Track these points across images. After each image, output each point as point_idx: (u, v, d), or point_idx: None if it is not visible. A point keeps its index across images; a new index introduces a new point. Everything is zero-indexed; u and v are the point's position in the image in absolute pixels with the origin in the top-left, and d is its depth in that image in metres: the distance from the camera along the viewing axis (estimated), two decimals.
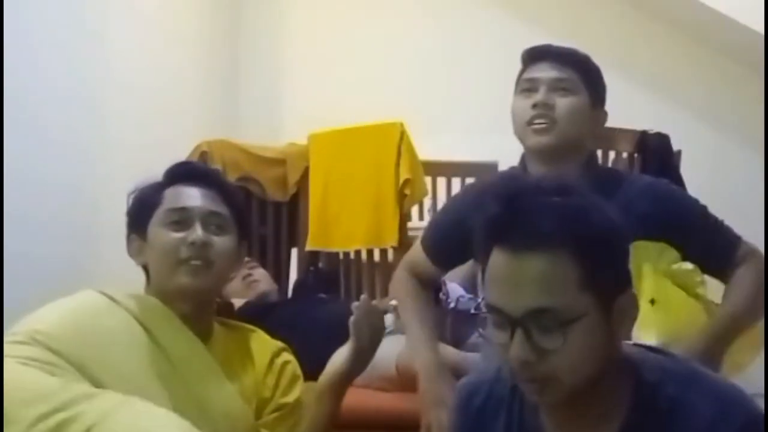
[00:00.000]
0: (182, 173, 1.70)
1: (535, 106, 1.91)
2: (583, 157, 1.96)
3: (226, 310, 2.81)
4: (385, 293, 3.38)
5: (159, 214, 1.63)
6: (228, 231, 1.66)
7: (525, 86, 1.96)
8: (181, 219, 1.62)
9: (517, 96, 1.97)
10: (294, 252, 3.52)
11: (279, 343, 1.77)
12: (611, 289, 1.17)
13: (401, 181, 3.19)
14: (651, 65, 4.08)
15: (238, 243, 1.68)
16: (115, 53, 3.31)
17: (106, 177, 3.14)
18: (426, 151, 3.33)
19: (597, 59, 1.98)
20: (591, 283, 1.14)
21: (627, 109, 3.67)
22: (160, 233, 1.62)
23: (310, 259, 3.41)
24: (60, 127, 2.92)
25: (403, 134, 3.24)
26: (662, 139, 3.05)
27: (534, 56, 1.98)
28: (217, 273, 1.63)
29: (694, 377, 1.21)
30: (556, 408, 1.25)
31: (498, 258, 1.17)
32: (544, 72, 1.94)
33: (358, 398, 2.29)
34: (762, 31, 3.44)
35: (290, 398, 1.70)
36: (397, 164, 3.22)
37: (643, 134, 3.05)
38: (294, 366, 1.75)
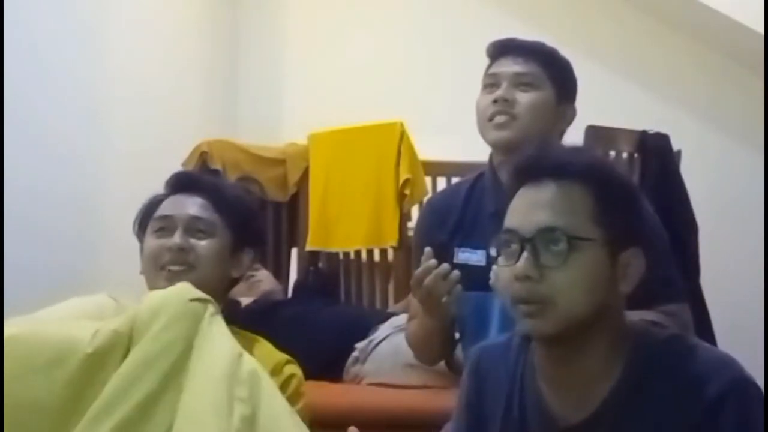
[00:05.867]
0: (177, 183, 1.75)
1: (495, 101, 1.87)
2: None
3: (232, 308, 2.82)
4: (385, 294, 3.39)
5: (150, 223, 1.71)
6: (214, 235, 1.68)
7: (488, 81, 1.92)
8: (166, 226, 1.68)
9: (481, 91, 1.94)
10: (294, 252, 3.52)
11: (284, 355, 1.74)
12: (620, 235, 1.24)
13: (401, 181, 3.19)
14: (651, 65, 4.07)
15: (231, 247, 1.70)
16: (114, 55, 3.30)
17: (106, 182, 3.14)
18: (426, 151, 3.32)
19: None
20: (601, 220, 1.23)
21: (627, 109, 3.70)
22: (148, 242, 1.69)
23: (310, 259, 3.41)
24: (59, 131, 2.92)
25: (403, 134, 3.24)
26: (662, 139, 3.05)
27: (498, 50, 1.94)
28: (200, 277, 1.64)
29: (691, 344, 1.27)
30: (549, 353, 1.28)
31: (520, 192, 1.29)
32: (507, 67, 1.90)
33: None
34: (762, 31, 3.44)
35: None
36: (397, 164, 3.22)
37: (643, 134, 3.05)
38: (298, 381, 1.71)
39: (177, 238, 1.64)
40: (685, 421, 1.19)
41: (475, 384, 1.39)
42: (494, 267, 1.64)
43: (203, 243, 1.66)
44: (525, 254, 1.23)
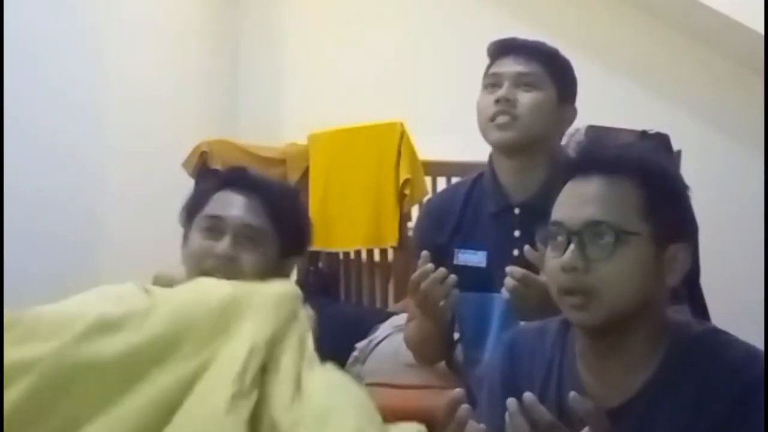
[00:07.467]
0: (233, 179, 1.70)
1: (497, 101, 1.85)
2: (550, 153, 1.88)
3: None
4: (385, 294, 3.39)
5: (199, 218, 1.65)
6: (261, 245, 1.63)
7: (489, 81, 1.90)
8: (214, 227, 1.62)
9: (482, 91, 1.92)
10: None
11: None
12: (668, 230, 1.25)
13: (401, 181, 3.19)
14: (651, 65, 4.07)
15: (277, 256, 1.66)
16: (114, 56, 3.31)
17: (106, 183, 3.14)
18: (426, 151, 3.32)
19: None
20: (649, 215, 1.24)
21: (627, 109, 3.69)
22: (194, 237, 1.64)
23: (310, 259, 3.41)
24: (59, 132, 2.92)
25: (403, 134, 3.24)
26: (662, 139, 3.04)
27: (499, 50, 1.93)
28: None
29: (727, 338, 1.30)
30: (593, 342, 1.29)
31: (569, 185, 1.30)
32: (508, 66, 1.88)
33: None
34: (762, 31, 3.43)
35: None
36: (397, 164, 3.22)
37: (643, 134, 3.05)
38: None
39: (225, 246, 1.60)
40: (717, 411, 1.21)
41: (510, 367, 1.41)
42: (507, 279, 1.66)
43: (251, 257, 1.61)
44: (572, 246, 1.24)
